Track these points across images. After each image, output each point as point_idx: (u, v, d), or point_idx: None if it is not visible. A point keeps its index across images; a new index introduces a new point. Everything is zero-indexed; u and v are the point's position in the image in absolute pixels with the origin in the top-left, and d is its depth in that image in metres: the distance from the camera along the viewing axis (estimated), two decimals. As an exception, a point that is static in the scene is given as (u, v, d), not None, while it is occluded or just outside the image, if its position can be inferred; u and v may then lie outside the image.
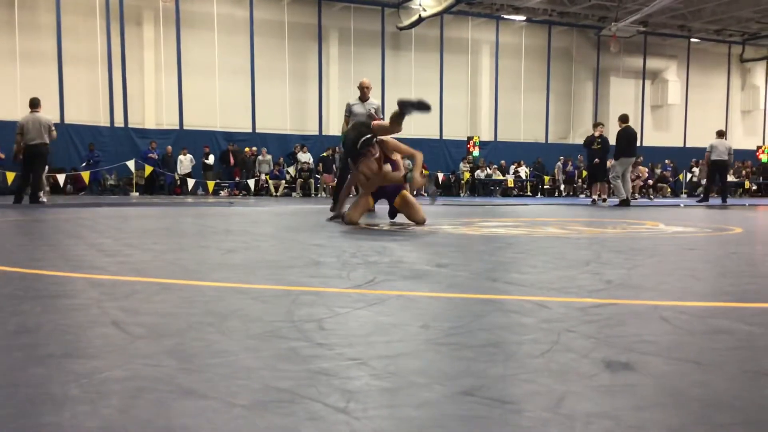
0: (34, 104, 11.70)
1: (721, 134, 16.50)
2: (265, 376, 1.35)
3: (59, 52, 20.47)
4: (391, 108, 23.00)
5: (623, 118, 14.14)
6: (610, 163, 15.02)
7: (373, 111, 9.12)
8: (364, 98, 9.32)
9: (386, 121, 6.56)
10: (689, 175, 27.53)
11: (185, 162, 21.18)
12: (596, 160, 14.86)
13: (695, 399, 1.24)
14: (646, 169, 23.20)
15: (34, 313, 2.04)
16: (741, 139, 31.61)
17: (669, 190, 22.33)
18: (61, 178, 18.88)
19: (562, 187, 26.06)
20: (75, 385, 1.29)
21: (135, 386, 1.28)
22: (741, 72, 32.22)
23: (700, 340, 1.73)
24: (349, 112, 9.19)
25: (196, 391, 1.25)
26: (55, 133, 11.99)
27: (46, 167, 12.62)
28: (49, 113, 20.10)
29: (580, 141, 20.94)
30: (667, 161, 27.55)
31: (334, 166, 22.41)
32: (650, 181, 23.13)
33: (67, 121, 20.72)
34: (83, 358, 1.51)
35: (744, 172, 28.82)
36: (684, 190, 27.36)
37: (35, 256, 3.69)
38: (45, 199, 11.98)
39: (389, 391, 1.26)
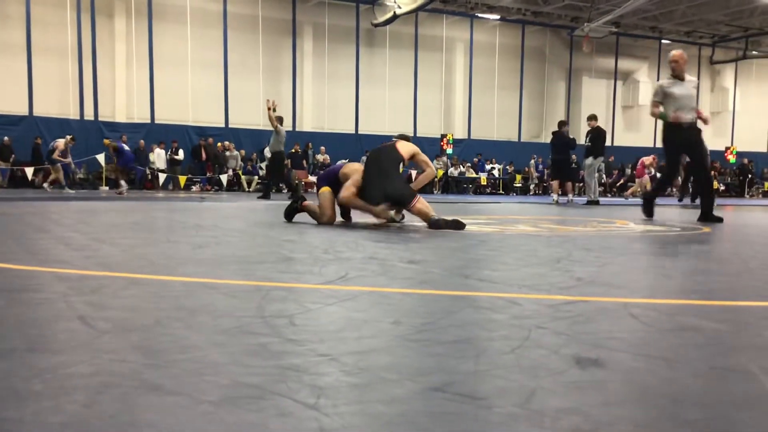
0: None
1: None
2: (234, 372, 1.33)
3: (28, 44, 20.12)
4: (366, 103, 22.51)
5: (595, 117, 14.21)
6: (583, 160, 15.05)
7: (694, 91, 7.31)
8: (681, 76, 7.31)
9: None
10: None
11: (161, 156, 20.94)
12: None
13: (663, 395, 1.24)
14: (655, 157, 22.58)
15: (-2, 307, 2.00)
16: (710, 140, 31.84)
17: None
18: (29, 171, 18.62)
19: (535, 185, 26.22)
20: (38, 380, 1.26)
21: (100, 381, 1.26)
22: (711, 74, 32.67)
23: (668, 337, 1.74)
24: (662, 95, 7.28)
25: (163, 387, 1.23)
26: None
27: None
28: (17, 106, 20.01)
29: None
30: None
31: (304, 161, 22.37)
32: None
33: (35, 113, 20.39)
34: (48, 352, 1.48)
35: (714, 173, 29.31)
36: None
37: (0, 249, 3.63)
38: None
39: (359, 387, 1.25)
